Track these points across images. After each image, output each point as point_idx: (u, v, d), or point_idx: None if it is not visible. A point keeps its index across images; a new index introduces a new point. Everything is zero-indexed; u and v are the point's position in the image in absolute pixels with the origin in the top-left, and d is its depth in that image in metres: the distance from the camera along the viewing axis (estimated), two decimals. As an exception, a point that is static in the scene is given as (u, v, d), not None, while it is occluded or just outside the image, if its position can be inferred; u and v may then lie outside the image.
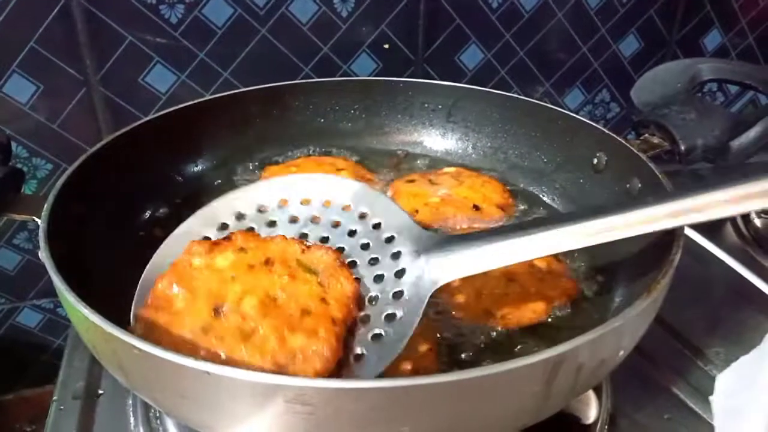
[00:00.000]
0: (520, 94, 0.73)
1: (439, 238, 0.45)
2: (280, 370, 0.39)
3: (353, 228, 0.49)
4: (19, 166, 0.75)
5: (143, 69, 0.75)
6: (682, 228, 0.45)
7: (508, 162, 0.70)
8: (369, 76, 0.84)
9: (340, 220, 0.50)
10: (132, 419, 0.54)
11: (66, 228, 0.48)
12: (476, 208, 0.61)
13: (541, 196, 0.66)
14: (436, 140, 0.73)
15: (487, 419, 0.36)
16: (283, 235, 0.48)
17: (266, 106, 0.70)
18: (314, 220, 0.50)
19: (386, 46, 0.83)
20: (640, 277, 0.48)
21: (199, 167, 0.66)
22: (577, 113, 0.92)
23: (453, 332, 0.49)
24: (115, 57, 0.74)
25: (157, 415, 0.54)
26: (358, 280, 0.46)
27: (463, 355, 0.47)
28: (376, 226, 0.48)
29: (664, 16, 0.94)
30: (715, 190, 0.40)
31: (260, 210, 0.51)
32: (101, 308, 0.37)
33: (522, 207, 0.64)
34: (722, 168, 0.65)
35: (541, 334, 0.49)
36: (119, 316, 0.38)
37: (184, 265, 0.45)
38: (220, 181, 0.65)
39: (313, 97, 0.72)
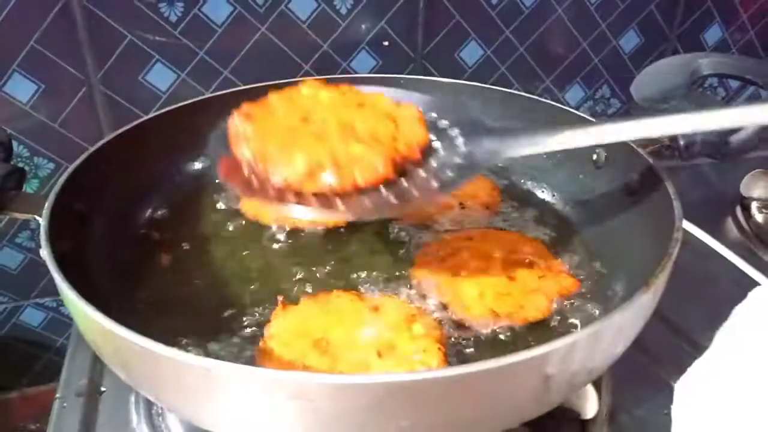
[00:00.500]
0: (520, 91, 0.73)
1: (494, 128, 0.48)
2: (333, 161, 0.43)
3: None
4: (20, 165, 0.75)
5: (143, 67, 0.75)
6: (680, 222, 0.46)
7: (507, 158, 0.70)
8: (369, 73, 0.84)
9: None
10: (134, 416, 0.54)
11: (67, 226, 0.48)
12: (462, 206, 0.62)
13: (539, 192, 0.66)
14: (436, 137, 0.73)
15: (487, 414, 0.36)
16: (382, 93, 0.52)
17: (266, 104, 0.70)
18: None
19: (386, 43, 0.83)
20: (639, 272, 0.49)
21: (199, 165, 0.66)
22: (577, 109, 0.92)
23: (459, 334, 0.49)
24: (116, 56, 0.74)
25: (159, 412, 0.54)
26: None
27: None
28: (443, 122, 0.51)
29: (665, 11, 0.93)
30: None
31: None
32: (102, 306, 0.38)
33: (513, 204, 0.65)
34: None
35: (545, 331, 0.50)
36: (120, 314, 0.38)
37: (294, 90, 0.51)
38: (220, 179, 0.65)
39: (313, 95, 0.72)
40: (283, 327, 0.47)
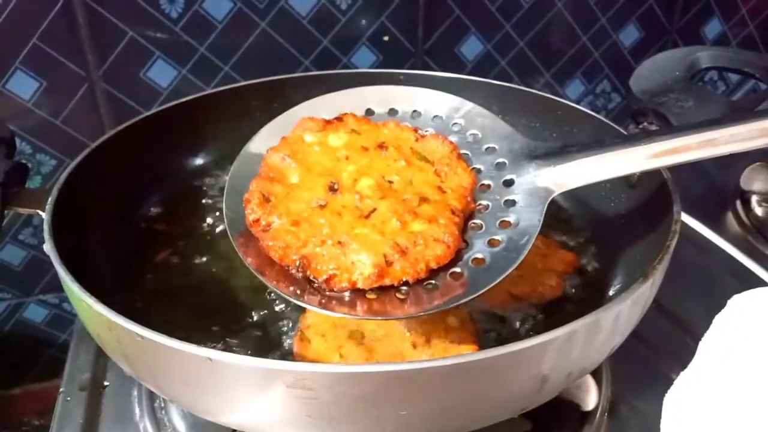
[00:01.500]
0: (520, 85, 0.73)
1: (550, 147, 0.44)
2: (401, 252, 0.39)
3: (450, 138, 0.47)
4: (23, 161, 0.76)
5: (144, 64, 0.76)
6: (679, 214, 0.46)
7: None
8: (369, 68, 0.84)
9: (435, 131, 0.48)
10: (137, 410, 0.55)
11: (70, 221, 0.49)
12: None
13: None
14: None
15: (486, 402, 0.36)
16: (396, 121, 0.47)
17: (267, 100, 0.70)
18: None
19: (386, 38, 0.83)
20: (638, 264, 0.49)
21: (201, 161, 0.66)
22: (578, 104, 0.92)
23: (488, 324, 0.49)
24: (117, 52, 0.74)
25: (162, 405, 0.54)
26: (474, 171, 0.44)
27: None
28: (475, 137, 0.47)
29: (665, 5, 0.93)
30: None
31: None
32: (105, 298, 0.38)
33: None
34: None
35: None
36: (123, 306, 0.39)
37: (296, 140, 0.46)
38: (221, 174, 0.66)
39: (314, 90, 0.71)
40: (320, 318, 0.47)
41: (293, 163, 0.44)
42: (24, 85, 0.73)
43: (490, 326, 0.49)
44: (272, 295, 0.51)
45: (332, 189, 0.43)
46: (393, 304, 0.39)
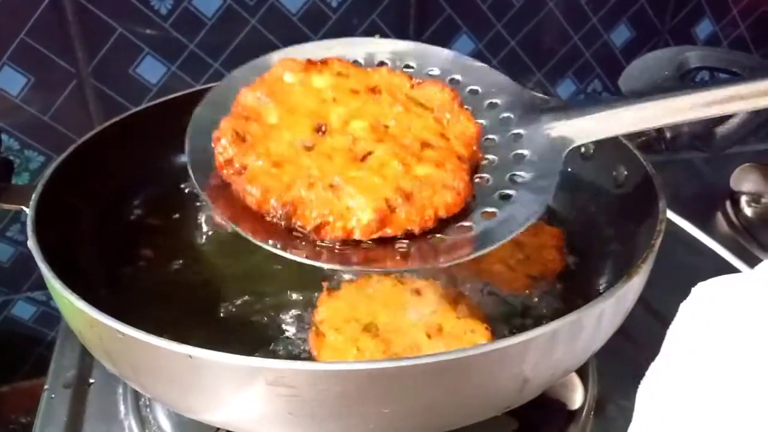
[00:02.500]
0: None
1: (557, 101, 0.42)
2: (405, 197, 0.35)
3: None
4: (11, 158, 0.75)
5: (134, 60, 0.75)
6: (664, 214, 0.46)
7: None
8: (360, 66, 0.84)
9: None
10: (122, 408, 0.55)
11: (55, 217, 0.48)
12: None
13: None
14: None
15: (469, 400, 0.36)
16: (388, 67, 0.43)
17: (256, 97, 0.70)
18: None
19: (377, 35, 0.82)
20: (624, 264, 0.49)
21: (189, 158, 0.66)
22: (569, 103, 0.92)
23: (504, 310, 0.50)
24: (106, 49, 0.74)
25: (147, 403, 0.54)
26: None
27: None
28: (474, 93, 0.43)
29: (656, 5, 0.94)
30: None
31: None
32: (90, 296, 0.38)
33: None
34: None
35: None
36: (108, 304, 0.38)
37: (275, 80, 0.41)
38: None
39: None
40: (331, 312, 0.46)
41: (272, 102, 0.40)
42: (12, 81, 0.72)
43: (507, 310, 0.50)
44: (268, 290, 0.51)
45: (319, 130, 0.38)
46: (392, 257, 0.35)
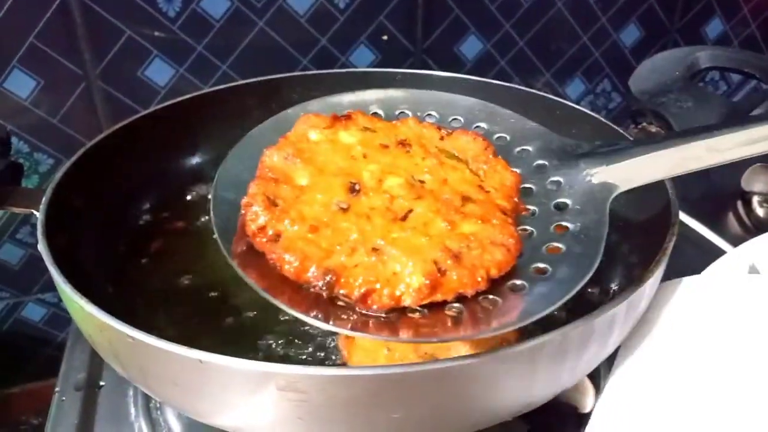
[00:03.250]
0: (520, 85, 0.73)
1: (592, 145, 0.40)
2: (454, 258, 0.33)
3: None
4: (20, 161, 0.76)
5: (142, 63, 0.75)
6: (677, 216, 0.45)
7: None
8: (368, 67, 0.84)
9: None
10: (132, 410, 0.55)
11: (64, 220, 0.48)
12: None
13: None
14: (435, 131, 0.73)
15: (479, 406, 0.36)
16: (415, 118, 0.41)
17: (264, 99, 0.70)
18: None
19: (385, 37, 0.83)
20: (636, 267, 0.49)
21: (198, 160, 0.66)
22: (578, 103, 0.91)
23: None
24: (114, 51, 0.74)
25: (158, 406, 0.54)
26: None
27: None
28: (503, 140, 0.42)
29: (665, 5, 0.93)
30: None
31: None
32: (98, 299, 0.38)
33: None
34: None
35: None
36: (118, 307, 0.38)
37: (299, 138, 0.39)
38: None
39: (312, 89, 0.72)
40: None
41: (300, 162, 0.37)
42: (21, 84, 0.73)
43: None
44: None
45: (353, 190, 0.36)
46: (443, 324, 0.32)
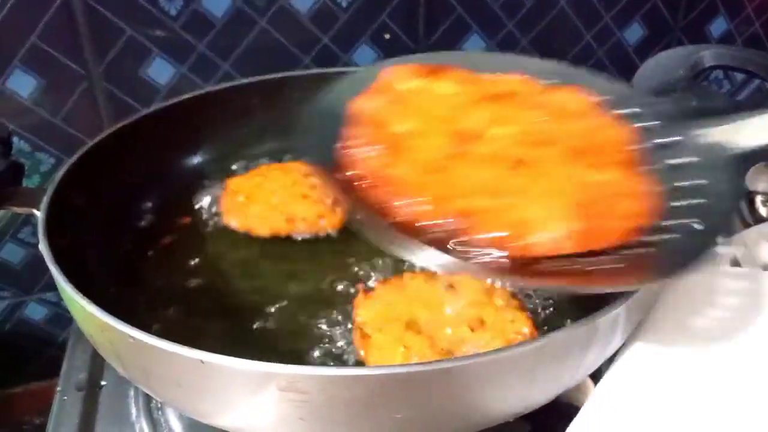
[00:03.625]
0: (522, 84, 0.73)
1: (699, 108, 0.42)
2: (595, 207, 0.31)
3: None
4: (22, 160, 0.75)
5: (143, 62, 0.75)
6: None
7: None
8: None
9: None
10: (134, 410, 0.55)
11: (65, 220, 0.48)
12: None
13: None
14: (437, 130, 0.73)
15: (481, 406, 0.36)
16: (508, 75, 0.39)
17: (266, 98, 0.70)
18: None
19: (387, 35, 0.82)
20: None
21: (199, 159, 0.66)
22: (581, 102, 0.91)
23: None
24: (116, 50, 0.74)
25: (159, 406, 0.54)
26: None
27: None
28: (606, 102, 0.40)
29: (669, 3, 0.92)
30: None
31: None
32: (99, 299, 0.38)
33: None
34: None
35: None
36: (119, 307, 0.38)
37: (388, 88, 0.38)
38: (219, 173, 0.66)
39: (314, 88, 0.72)
40: (371, 314, 0.45)
41: (401, 109, 0.36)
42: (23, 83, 0.73)
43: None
44: (271, 294, 0.51)
45: (464, 138, 0.34)
46: (579, 273, 0.31)
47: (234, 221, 0.58)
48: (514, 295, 0.47)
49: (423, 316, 0.44)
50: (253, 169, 0.64)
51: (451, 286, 0.46)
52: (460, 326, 0.43)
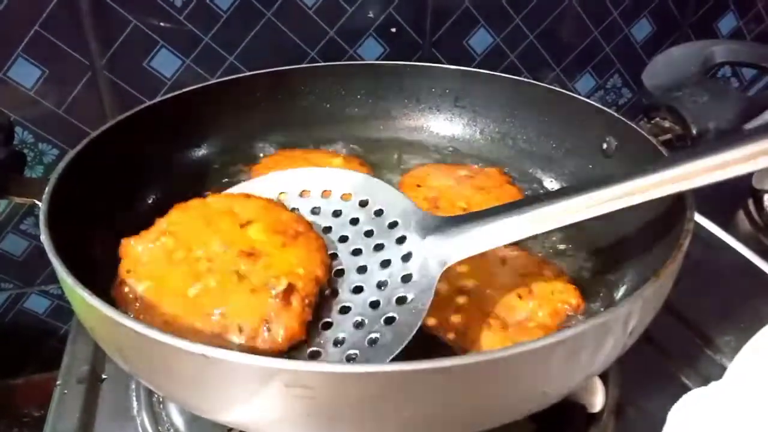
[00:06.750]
0: (530, 79, 0.72)
1: (444, 219, 0.45)
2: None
3: (355, 216, 0.49)
4: (25, 151, 0.75)
5: (148, 53, 0.75)
6: (692, 213, 0.45)
7: (516, 147, 0.69)
8: (376, 60, 0.83)
9: (341, 209, 0.50)
10: (135, 403, 0.54)
11: (67, 211, 0.47)
12: None
13: (547, 181, 0.65)
14: (443, 125, 0.72)
15: (490, 405, 0.35)
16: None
17: (271, 91, 0.69)
18: (314, 211, 0.50)
19: (393, 29, 0.82)
20: (649, 264, 0.48)
21: (203, 152, 0.66)
22: (588, 99, 0.90)
23: None
24: (120, 41, 0.73)
25: (160, 400, 0.54)
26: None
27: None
28: (378, 213, 0.48)
29: (678, -1, 0.92)
30: (724, 150, 0.39)
31: None
32: (101, 292, 0.37)
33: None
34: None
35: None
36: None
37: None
38: (223, 166, 0.65)
39: (319, 82, 0.71)
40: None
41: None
42: (26, 74, 0.72)
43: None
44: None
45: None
46: None
47: None
48: (563, 270, 0.52)
49: (472, 282, 0.49)
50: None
51: (503, 260, 0.52)
52: (508, 294, 0.49)
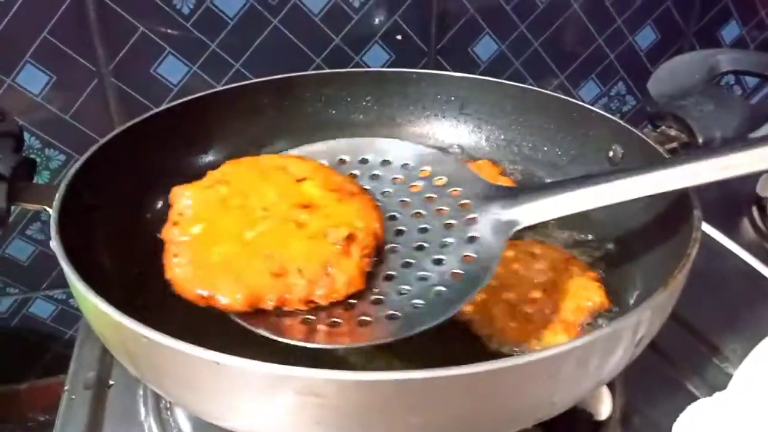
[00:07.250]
0: (534, 86, 0.72)
1: (509, 188, 0.46)
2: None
3: (416, 183, 0.48)
4: (32, 156, 0.75)
5: (155, 60, 0.75)
6: (700, 222, 0.45)
7: (521, 155, 0.69)
8: (381, 67, 0.83)
9: (401, 176, 0.49)
10: (142, 410, 0.54)
11: (77, 217, 0.48)
12: None
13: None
14: (449, 132, 0.72)
15: (499, 413, 0.35)
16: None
17: (277, 98, 0.69)
18: (373, 176, 0.49)
19: (399, 37, 0.82)
20: (656, 273, 0.48)
21: (210, 158, 0.66)
22: (592, 106, 0.90)
23: None
24: (127, 48, 0.73)
25: (168, 406, 0.54)
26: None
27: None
28: (440, 182, 0.48)
29: (682, 7, 0.92)
30: None
31: None
32: (111, 297, 0.37)
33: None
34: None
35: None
36: (129, 305, 0.38)
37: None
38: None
39: (325, 89, 0.72)
40: None
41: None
42: (34, 80, 0.72)
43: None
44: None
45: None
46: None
47: None
48: (590, 268, 0.53)
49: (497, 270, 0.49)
50: None
51: (532, 254, 0.53)
52: (531, 286, 0.50)
